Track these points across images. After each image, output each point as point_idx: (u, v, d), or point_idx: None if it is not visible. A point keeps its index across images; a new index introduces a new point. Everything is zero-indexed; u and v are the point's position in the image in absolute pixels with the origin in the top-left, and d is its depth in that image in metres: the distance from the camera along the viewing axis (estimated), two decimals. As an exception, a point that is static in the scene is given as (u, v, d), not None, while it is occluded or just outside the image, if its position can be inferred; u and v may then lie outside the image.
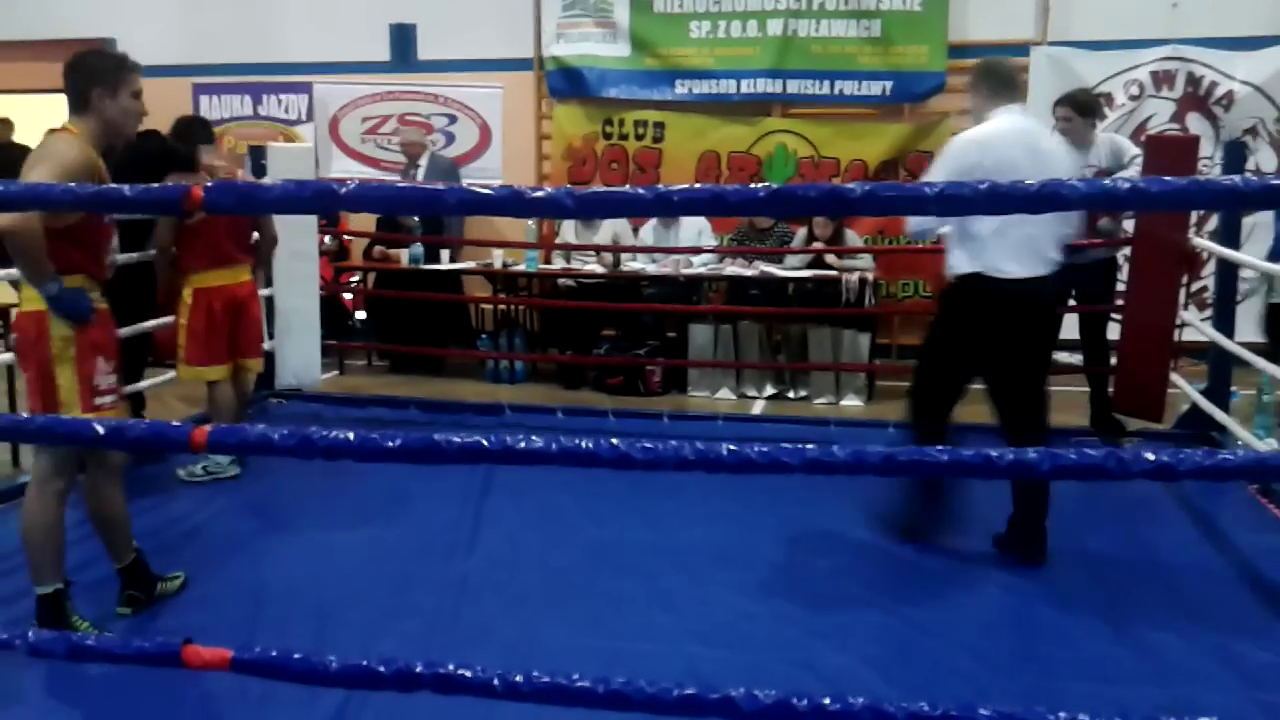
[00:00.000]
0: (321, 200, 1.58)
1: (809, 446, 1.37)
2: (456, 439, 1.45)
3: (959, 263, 3.87)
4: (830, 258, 6.81)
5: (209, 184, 1.63)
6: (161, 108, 8.60)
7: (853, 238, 7.00)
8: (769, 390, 6.83)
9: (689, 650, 3.20)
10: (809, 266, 6.86)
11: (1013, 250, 3.71)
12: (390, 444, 1.43)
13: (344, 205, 1.65)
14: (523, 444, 1.42)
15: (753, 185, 1.47)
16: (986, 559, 3.94)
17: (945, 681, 3.02)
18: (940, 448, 1.39)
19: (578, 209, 1.53)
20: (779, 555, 3.99)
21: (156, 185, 1.66)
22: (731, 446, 1.40)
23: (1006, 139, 3.71)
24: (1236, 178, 1.43)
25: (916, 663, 3.15)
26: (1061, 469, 1.31)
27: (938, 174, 3.79)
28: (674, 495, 4.59)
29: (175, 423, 1.57)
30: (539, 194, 1.53)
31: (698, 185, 1.51)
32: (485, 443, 1.44)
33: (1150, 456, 1.31)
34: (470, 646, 3.22)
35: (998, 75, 3.90)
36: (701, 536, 4.21)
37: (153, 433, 1.56)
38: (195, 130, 5.10)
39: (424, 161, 7.79)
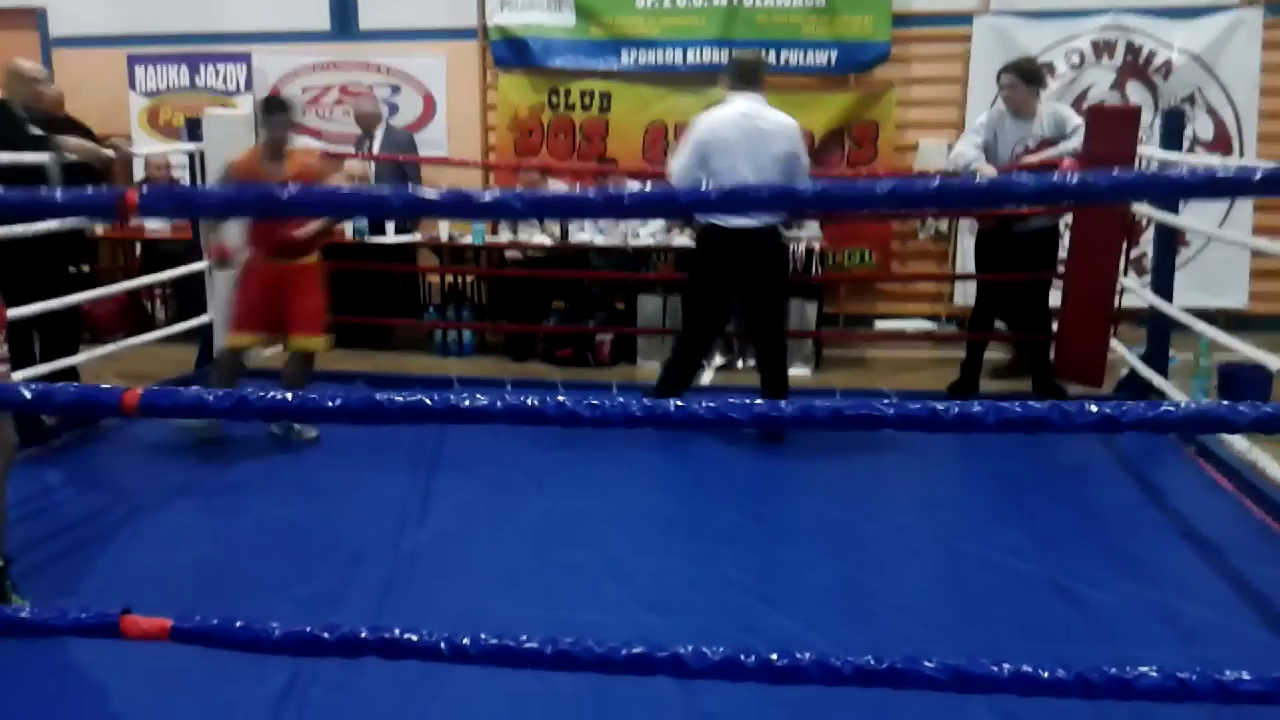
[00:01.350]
0: (264, 204, 1.53)
1: (757, 401, 1.37)
2: (399, 398, 1.42)
3: (701, 216, 4.84)
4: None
5: (145, 189, 1.57)
6: (93, 80, 8.48)
7: (799, 207, 7.01)
8: (718, 360, 6.84)
9: (638, 619, 3.20)
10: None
11: None
12: (330, 404, 1.40)
13: (287, 209, 1.60)
14: (467, 402, 1.40)
15: (705, 187, 1.45)
16: (929, 523, 3.98)
17: (892, 645, 3.02)
18: (884, 401, 1.39)
19: (526, 211, 1.50)
20: (729, 523, 4.00)
21: (92, 190, 1.60)
22: (678, 403, 1.39)
23: (728, 121, 4.65)
24: (1183, 170, 1.44)
25: (863, 626, 3.18)
26: (1007, 421, 1.32)
27: (683, 149, 4.77)
28: (625, 466, 4.59)
29: (106, 386, 1.52)
30: (487, 198, 1.50)
31: (649, 188, 1.50)
32: (428, 401, 1.42)
33: (1093, 408, 1.32)
34: (419, 619, 3.16)
35: (739, 67, 4.83)
36: (652, 506, 4.22)
37: (83, 397, 1.51)
38: (271, 107, 4.91)
39: (379, 133, 7.65)
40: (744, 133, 4.63)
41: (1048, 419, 1.28)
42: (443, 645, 1.63)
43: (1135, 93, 7.44)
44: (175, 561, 3.62)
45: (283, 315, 4.88)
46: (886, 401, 1.34)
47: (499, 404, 1.39)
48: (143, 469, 4.60)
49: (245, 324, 4.86)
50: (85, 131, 7.85)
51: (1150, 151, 5.41)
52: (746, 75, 4.77)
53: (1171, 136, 5.44)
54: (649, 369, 6.79)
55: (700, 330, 5.11)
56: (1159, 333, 5.43)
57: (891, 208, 1.57)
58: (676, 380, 5.14)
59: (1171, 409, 1.33)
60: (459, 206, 1.47)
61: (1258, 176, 1.36)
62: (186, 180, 6.29)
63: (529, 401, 1.39)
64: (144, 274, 6.60)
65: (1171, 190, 1.63)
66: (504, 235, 7.35)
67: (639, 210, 1.46)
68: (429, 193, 1.47)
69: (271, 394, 1.48)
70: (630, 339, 6.89)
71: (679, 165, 4.76)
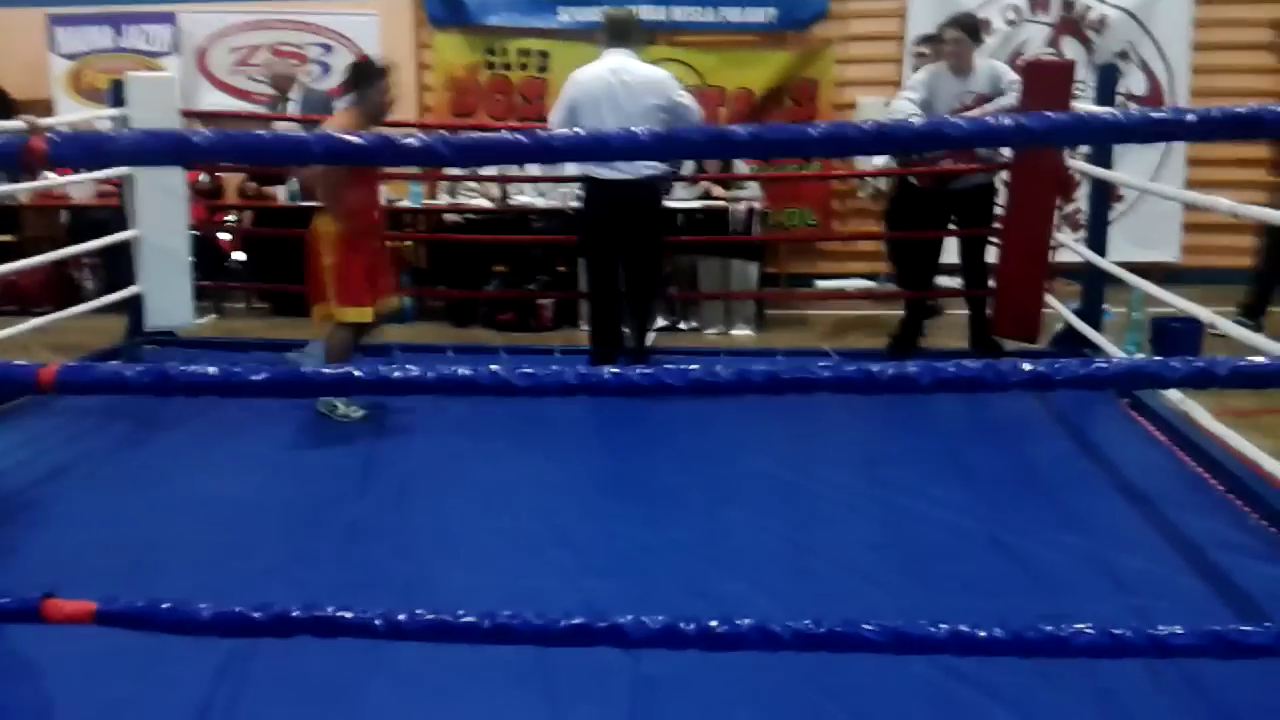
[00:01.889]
0: (176, 151, 1.46)
1: (693, 367, 1.35)
2: (326, 370, 1.38)
3: (579, 168, 5.10)
4: (718, 189, 6.79)
5: (53, 134, 1.49)
6: (12, 41, 8.18)
7: (741, 166, 6.99)
8: (660, 322, 6.82)
9: (584, 584, 3.18)
10: (697, 197, 6.84)
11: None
12: (255, 377, 1.36)
13: (202, 156, 1.53)
14: (397, 373, 1.36)
15: (636, 131, 1.41)
16: (871, 481, 4.01)
17: (836, 603, 3.06)
18: (822, 362, 1.37)
19: (454, 157, 1.45)
20: (674, 485, 4.00)
21: None
22: (614, 370, 1.37)
23: (596, 76, 4.87)
24: (1118, 111, 1.43)
25: (808, 585, 3.19)
26: (941, 381, 1.31)
27: (557, 106, 5.02)
28: (568, 431, 4.56)
29: (21, 362, 1.46)
30: (411, 143, 1.44)
31: (580, 131, 1.46)
32: (357, 373, 1.37)
33: (1026, 366, 1.32)
34: (360, 592, 3.15)
35: (610, 25, 5.02)
36: (596, 470, 4.20)
37: (-4, 375, 1.45)
38: (369, 71, 4.68)
39: (295, 95, 7.44)
40: (610, 87, 4.83)
41: (982, 378, 1.28)
42: (378, 622, 1.60)
43: (1069, 48, 7.49)
44: (106, 539, 3.52)
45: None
46: (822, 364, 1.33)
47: (430, 374, 1.35)
48: (72, 442, 4.48)
49: (369, 299, 4.66)
50: (3, 98, 7.62)
51: (1085, 107, 5.45)
52: (618, 32, 4.98)
53: (1106, 92, 5.49)
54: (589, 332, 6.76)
55: (599, 284, 5.26)
56: (1093, 287, 5.49)
57: (826, 152, 1.55)
58: (603, 340, 5.26)
59: (1105, 365, 1.33)
60: (383, 152, 1.42)
61: (1190, 118, 1.36)
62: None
63: (461, 371, 1.36)
64: (71, 243, 6.40)
65: (1106, 133, 1.62)
66: (443, 198, 7.25)
67: (570, 154, 1.42)
68: (352, 138, 1.41)
69: (202, 369, 1.43)
70: (572, 302, 6.84)
71: (554, 121, 5.02)
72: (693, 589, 3.15)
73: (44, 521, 3.65)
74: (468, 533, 3.58)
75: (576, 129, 4.69)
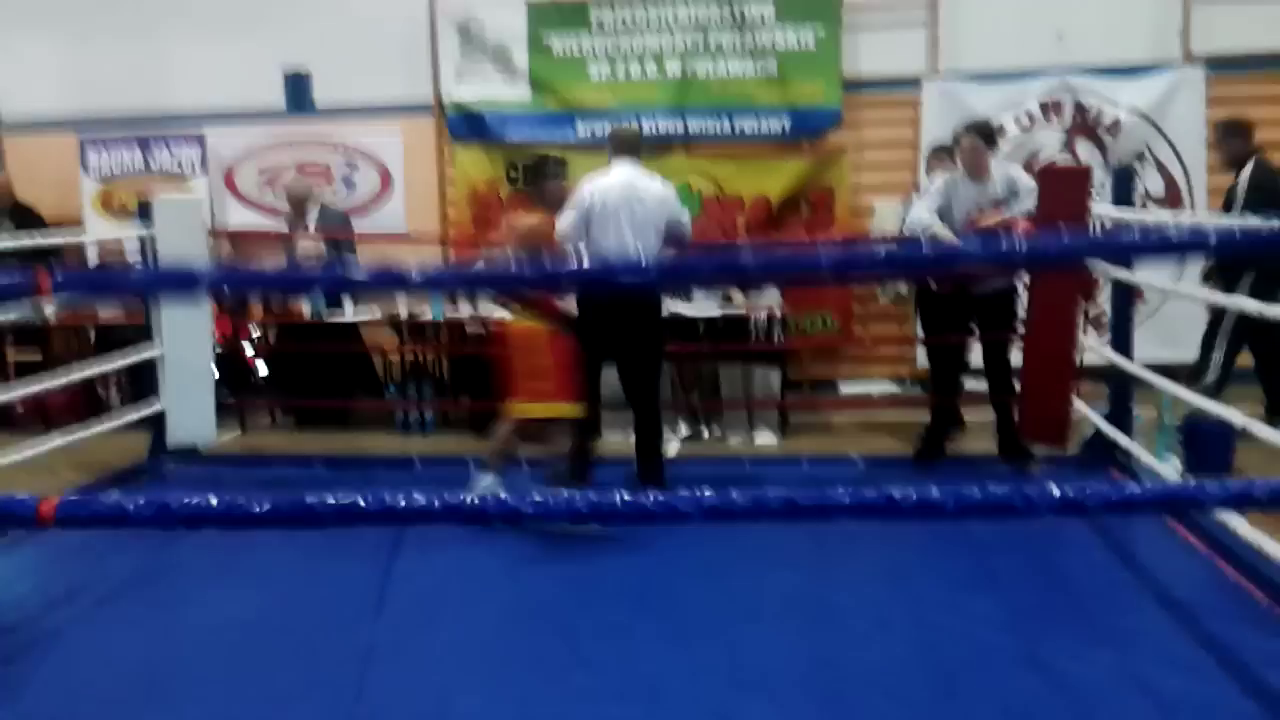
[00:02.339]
0: (181, 286, 1.45)
1: (706, 494, 1.30)
2: (331, 500, 1.34)
3: None
4: (737, 295, 6.81)
5: (62, 271, 1.49)
6: (45, 163, 8.40)
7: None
8: (683, 431, 6.77)
9: (606, 710, 3.09)
10: (717, 304, 6.85)
11: None
12: (257, 509, 1.33)
13: (208, 289, 1.52)
14: (403, 502, 1.33)
15: (642, 261, 1.39)
16: (900, 594, 3.91)
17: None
18: (841, 489, 1.33)
19: (453, 283, 1.44)
20: (699, 603, 3.91)
21: (4, 273, 1.53)
22: (626, 496, 1.33)
23: (612, 184, 5.04)
24: (1134, 232, 1.41)
25: (836, 709, 3.08)
26: (968, 507, 1.26)
27: (569, 212, 5.03)
28: (587, 545, 4.48)
29: (22, 495, 1.43)
30: (414, 274, 1.43)
31: (588, 263, 1.45)
32: (362, 502, 1.34)
33: (1056, 491, 1.27)
34: (378, 719, 3.08)
35: (617, 139, 5.29)
36: (619, 587, 4.10)
37: (-7, 509, 1.42)
38: (548, 167, 5.01)
39: (313, 211, 7.54)
40: (626, 198, 5.01)
41: (1010, 503, 1.23)
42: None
43: (1085, 152, 7.54)
44: (119, 666, 3.46)
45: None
46: (842, 490, 1.28)
47: (436, 503, 1.31)
48: (86, 564, 4.43)
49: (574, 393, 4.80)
50: (34, 218, 7.80)
51: (1103, 209, 5.45)
52: (627, 146, 5.22)
53: (1122, 194, 5.50)
54: (613, 441, 6.71)
55: (585, 389, 5.09)
56: (1121, 390, 5.42)
57: (836, 279, 1.53)
58: (579, 459, 5.09)
59: (1138, 491, 1.28)
60: (385, 281, 1.40)
61: (1213, 240, 1.33)
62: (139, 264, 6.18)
63: (469, 500, 1.32)
64: (98, 360, 6.45)
65: (1122, 251, 1.60)
66: (464, 310, 7.29)
67: (575, 282, 1.40)
68: (357, 271, 1.40)
69: (204, 501, 1.40)
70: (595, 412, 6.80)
71: (565, 226, 5.04)
72: (716, 713, 3.05)
73: (56, 648, 3.59)
74: (486, 655, 3.49)
75: (583, 239, 5.03)
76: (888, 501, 1.26)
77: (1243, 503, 1.27)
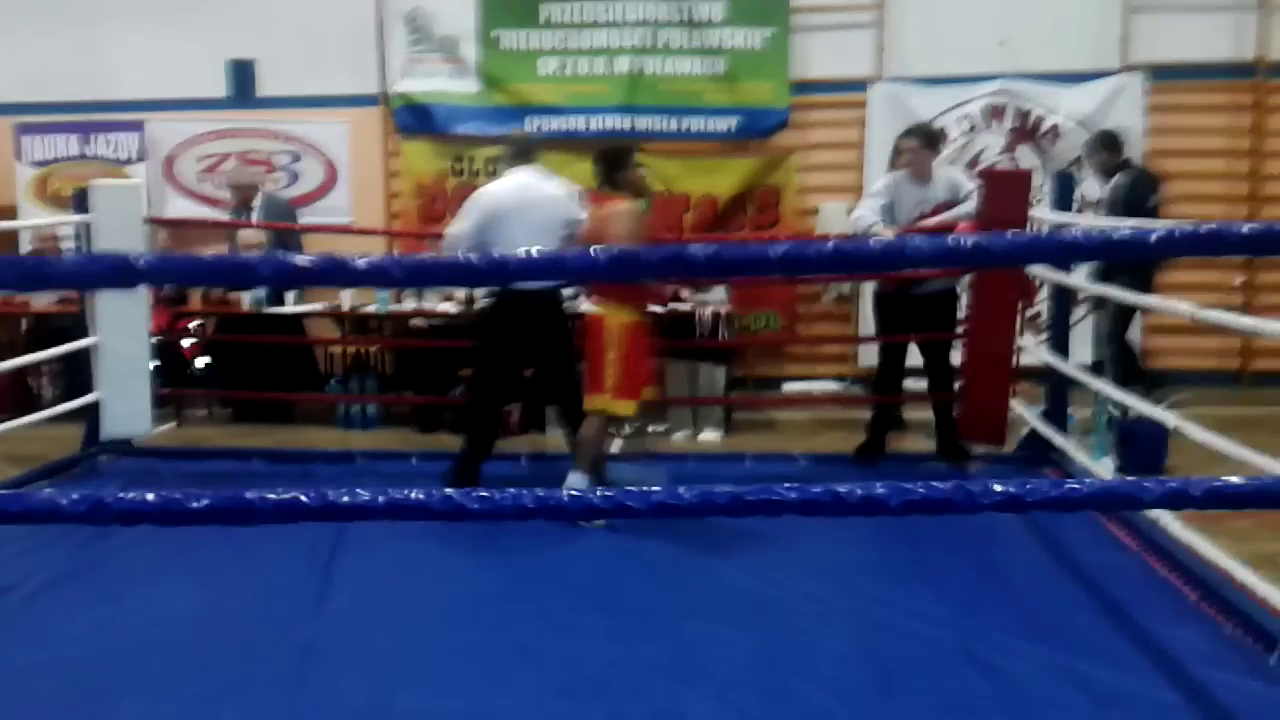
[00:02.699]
0: (118, 274, 1.42)
1: (655, 489, 1.31)
2: (271, 495, 1.32)
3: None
4: (685, 292, 6.83)
5: None
6: (-23, 148, 8.18)
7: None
8: (628, 427, 6.77)
9: (550, 705, 3.08)
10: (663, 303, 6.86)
11: None
12: (195, 505, 1.30)
13: (144, 279, 1.49)
14: (345, 498, 1.31)
15: (593, 251, 1.39)
16: (841, 591, 3.94)
17: None
18: (786, 485, 1.34)
19: (406, 279, 1.43)
20: (641, 598, 3.91)
21: None
22: (574, 491, 1.32)
23: (508, 191, 5.06)
24: (1078, 232, 1.44)
25: (778, 704, 3.10)
26: (910, 503, 1.27)
27: (468, 216, 5.08)
28: (533, 539, 4.47)
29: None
30: (362, 264, 1.42)
31: (536, 252, 1.44)
32: (304, 498, 1.32)
33: (998, 488, 1.29)
34: (314, 716, 3.04)
35: (514, 145, 5.31)
36: (563, 582, 4.09)
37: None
38: (625, 156, 5.06)
39: (258, 203, 7.46)
40: (521, 203, 5.02)
41: (952, 500, 1.25)
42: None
43: (1026, 156, 7.67)
44: (55, 659, 3.39)
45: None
46: (788, 486, 1.29)
47: (380, 500, 1.30)
48: (21, 554, 4.32)
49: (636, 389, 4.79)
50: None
51: (1042, 214, 5.55)
52: (523, 152, 5.27)
53: (1063, 198, 5.59)
54: (559, 438, 6.70)
55: (494, 401, 5.28)
56: (1057, 390, 5.52)
57: (785, 272, 1.54)
58: (472, 459, 5.16)
59: (1078, 487, 1.31)
60: (333, 273, 1.39)
61: (1153, 239, 1.36)
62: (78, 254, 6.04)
63: (413, 495, 1.31)
64: (30, 351, 6.31)
65: (1066, 253, 1.63)
66: (409, 303, 7.23)
67: (525, 274, 1.39)
68: (301, 260, 1.38)
69: (140, 498, 1.37)
70: (540, 408, 6.79)
71: (458, 231, 5.07)
72: (662, 709, 3.06)
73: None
74: (429, 651, 3.46)
75: (479, 243, 5.00)
76: (833, 498, 1.28)
77: (1180, 502, 1.30)
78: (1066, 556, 4.26)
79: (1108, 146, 6.62)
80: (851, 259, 1.40)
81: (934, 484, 1.30)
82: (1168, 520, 3.87)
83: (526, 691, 3.16)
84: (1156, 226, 1.39)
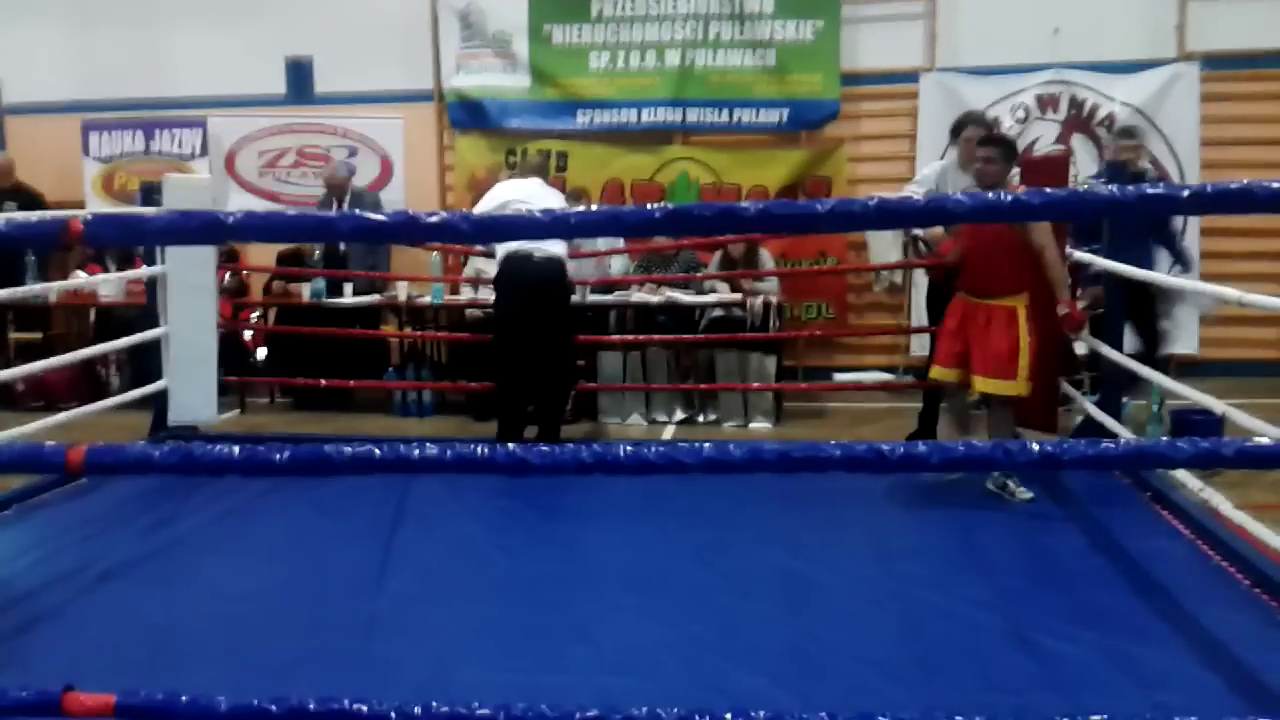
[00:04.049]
0: (208, 230, 1.52)
1: (706, 445, 1.37)
2: (347, 449, 1.41)
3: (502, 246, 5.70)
4: (743, 280, 6.88)
5: (90, 217, 1.55)
6: (47, 145, 8.45)
7: (766, 258, 7.08)
8: (679, 415, 6.85)
9: (602, 681, 3.15)
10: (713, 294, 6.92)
11: None
12: (277, 457, 1.39)
13: (233, 235, 1.59)
14: (415, 452, 1.39)
15: (649, 206, 1.46)
16: (889, 575, 3.98)
17: (855, 699, 3.02)
18: (832, 443, 1.39)
19: (474, 233, 1.51)
20: (692, 579, 3.97)
21: (35, 219, 1.59)
22: (629, 448, 1.39)
23: (519, 187, 5.84)
24: (1114, 188, 1.48)
25: (827, 681, 3.14)
26: (950, 460, 1.33)
27: (487, 201, 5.79)
28: (586, 523, 4.56)
29: (51, 444, 1.50)
30: (434, 219, 1.51)
31: (594, 207, 1.51)
32: (376, 452, 1.41)
33: (1034, 447, 1.34)
34: (378, 687, 3.13)
35: (528, 163, 6.61)
36: (614, 563, 4.17)
37: (27, 455, 1.48)
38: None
39: (347, 197, 7.64)
40: (530, 198, 5.65)
41: (991, 458, 1.30)
42: (393, 715, 1.60)
43: (1080, 145, 7.62)
44: (128, 633, 3.53)
45: (970, 354, 4.84)
46: (833, 445, 1.35)
47: (449, 453, 1.38)
48: (96, 535, 4.50)
49: (941, 358, 4.98)
50: (36, 199, 7.85)
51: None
52: (533, 168, 6.29)
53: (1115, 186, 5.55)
54: (611, 425, 6.79)
55: (514, 367, 5.71)
56: (1111, 381, 5.50)
57: (832, 227, 1.60)
58: (513, 434, 5.68)
59: (1112, 447, 1.35)
60: (405, 228, 1.47)
61: (1185, 194, 1.40)
62: (146, 250, 6.22)
63: (478, 450, 1.39)
64: (98, 341, 6.52)
65: (1102, 207, 1.67)
66: (464, 294, 7.36)
67: (583, 229, 1.47)
68: (377, 216, 1.47)
69: (226, 450, 1.46)
70: (592, 395, 6.88)
71: (479, 212, 5.42)
72: (710, 685, 3.11)
73: (62, 621, 3.65)
74: (486, 628, 3.55)
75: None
76: (876, 455, 1.33)
77: (1212, 461, 1.34)
78: (1117, 543, 4.25)
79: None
80: (895, 214, 1.45)
81: (974, 444, 1.35)
82: (1222, 506, 3.85)
83: (580, 668, 3.23)
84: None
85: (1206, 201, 1.35)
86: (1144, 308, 6.04)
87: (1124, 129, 6.18)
